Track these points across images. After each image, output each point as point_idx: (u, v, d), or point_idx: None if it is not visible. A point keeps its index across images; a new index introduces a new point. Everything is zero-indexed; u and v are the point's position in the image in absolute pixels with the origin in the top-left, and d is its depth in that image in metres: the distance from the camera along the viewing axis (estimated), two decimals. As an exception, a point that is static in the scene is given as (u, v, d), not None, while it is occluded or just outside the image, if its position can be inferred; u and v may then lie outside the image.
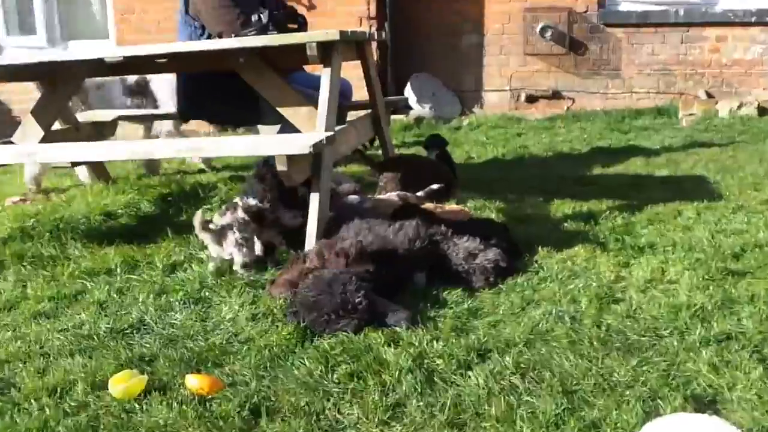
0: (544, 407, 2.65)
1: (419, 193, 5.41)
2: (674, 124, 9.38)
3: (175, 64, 5.30)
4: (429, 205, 5.02)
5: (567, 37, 10.29)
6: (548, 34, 10.29)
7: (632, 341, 3.15)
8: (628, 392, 2.73)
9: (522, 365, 2.96)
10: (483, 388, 2.80)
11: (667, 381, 2.80)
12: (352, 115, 6.41)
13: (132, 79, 7.15)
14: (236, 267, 4.20)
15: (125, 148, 4.97)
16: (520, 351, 3.09)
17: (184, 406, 2.77)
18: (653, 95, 10.36)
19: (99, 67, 5.18)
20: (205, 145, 4.79)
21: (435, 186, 5.44)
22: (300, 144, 4.16)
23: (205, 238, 4.30)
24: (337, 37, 4.50)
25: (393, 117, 9.68)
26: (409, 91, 10.35)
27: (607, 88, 10.50)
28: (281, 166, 4.13)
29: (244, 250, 4.20)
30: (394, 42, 10.50)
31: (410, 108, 10.28)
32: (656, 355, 3.00)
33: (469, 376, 2.90)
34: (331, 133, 4.49)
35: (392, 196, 5.25)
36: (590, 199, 5.44)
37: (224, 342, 3.35)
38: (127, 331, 3.54)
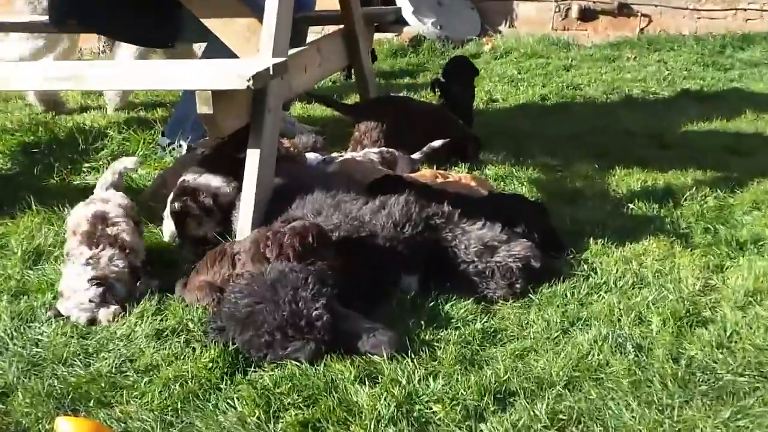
0: (591, 480, 2.69)
1: (414, 155, 5.43)
2: (800, 57, 9.46)
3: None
4: (426, 173, 5.05)
5: None
6: None
7: (724, 383, 3.18)
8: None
9: (561, 416, 2.98)
10: (501, 450, 2.84)
11: (777, 443, 2.85)
12: (314, 33, 6.43)
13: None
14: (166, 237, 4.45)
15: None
16: (558, 395, 3.11)
17: (50, 467, 2.79)
18: (769, 14, 10.44)
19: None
20: (87, 71, 4.72)
21: (436, 143, 5.47)
22: (234, 74, 4.14)
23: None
24: None
25: (377, 36, 9.64)
26: (402, -1, 10.37)
27: (699, 3, 10.54)
28: (204, 108, 4.12)
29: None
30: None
31: (404, 23, 10.25)
32: (759, 404, 3.04)
33: (481, 431, 2.93)
34: (282, 59, 4.48)
35: (371, 154, 5.28)
36: (669, 169, 5.49)
37: (114, 370, 3.36)
38: (-33, 352, 3.55)
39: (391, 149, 5.43)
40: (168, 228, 4.55)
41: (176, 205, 4.40)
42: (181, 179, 4.52)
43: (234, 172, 4.46)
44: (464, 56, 6.84)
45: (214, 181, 4.50)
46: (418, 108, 6.10)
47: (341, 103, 6.08)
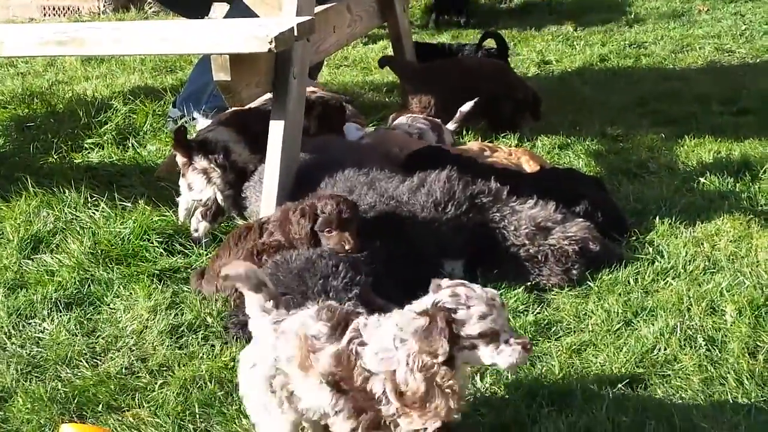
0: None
1: (449, 125, 5.46)
2: None
3: None
4: (473, 145, 5.07)
5: None
6: None
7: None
8: None
9: (624, 417, 3.00)
10: (558, 455, 2.88)
11: None
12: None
13: None
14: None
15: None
16: (621, 394, 3.14)
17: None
18: None
19: None
20: (87, 34, 4.72)
21: (466, 107, 5.51)
22: (253, 36, 4.14)
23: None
24: None
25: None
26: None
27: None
28: (220, 74, 4.15)
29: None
30: None
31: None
32: None
33: (537, 434, 2.97)
34: (308, 17, 4.50)
35: (419, 122, 5.31)
36: (746, 138, 5.51)
37: (124, 371, 3.40)
38: (-39, 351, 3.61)
39: (435, 119, 5.49)
40: (183, 208, 4.60)
41: None
42: None
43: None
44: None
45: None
46: (476, 67, 6.15)
47: (400, 63, 6.12)
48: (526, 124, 5.70)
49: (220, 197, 4.53)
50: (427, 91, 5.74)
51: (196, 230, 4.46)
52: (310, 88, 5.18)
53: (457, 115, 5.46)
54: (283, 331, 2.70)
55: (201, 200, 4.50)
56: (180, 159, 4.54)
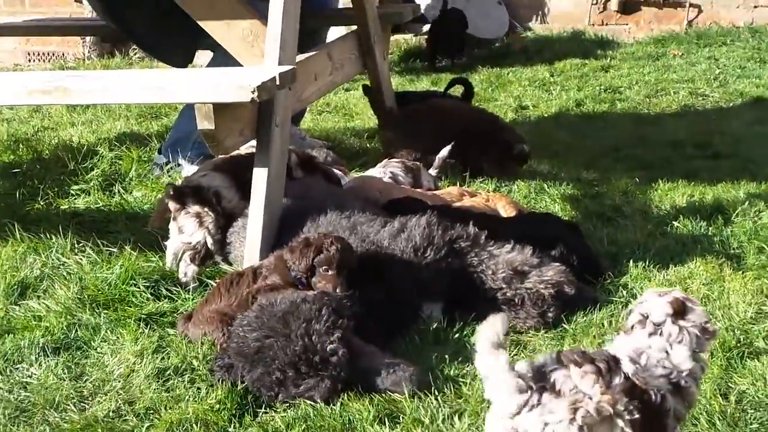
0: None
1: (431, 170, 5.54)
2: None
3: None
4: (452, 191, 5.14)
5: None
6: None
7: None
8: None
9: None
10: (533, 494, 2.92)
11: None
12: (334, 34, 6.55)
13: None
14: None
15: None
16: (595, 433, 3.20)
17: None
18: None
19: None
20: (73, 83, 4.73)
21: (443, 152, 5.59)
22: (236, 85, 4.19)
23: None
24: None
25: (394, 38, 9.72)
26: (422, -6, 10.43)
27: (755, -9, 10.61)
28: (204, 123, 4.20)
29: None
30: None
31: (425, 21, 10.26)
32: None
33: (513, 475, 3.02)
34: (290, 67, 4.57)
35: (393, 167, 5.38)
36: (720, 182, 5.58)
37: (112, 415, 3.44)
38: (-50, 396, 3.63)
39: (416, 162, 5.56)
40: (171, 252, 4.65)
41: None
42: None
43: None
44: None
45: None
46: (459, 113, 6.25)
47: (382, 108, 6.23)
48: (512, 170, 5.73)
49: (210, 241, 4.59)
50: (418, 135, 5.81)
51: (185, 274, 4.50)
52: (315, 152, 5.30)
53: (436, 161, 5.53)
54: None
55: (191, 243, 4.56)
56: (173, 205, 4.60)
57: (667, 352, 2.63)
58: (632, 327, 2.73)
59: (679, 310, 2.67)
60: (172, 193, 4.63)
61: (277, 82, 4.35)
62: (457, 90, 6.99)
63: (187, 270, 4.50)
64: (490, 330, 2.62)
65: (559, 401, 2.50)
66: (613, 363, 2.59)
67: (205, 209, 4.61)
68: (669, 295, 2.71)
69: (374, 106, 6.43)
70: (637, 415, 2.50)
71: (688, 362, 2.63)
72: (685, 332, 2.65)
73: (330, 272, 3.83)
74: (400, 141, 5.89)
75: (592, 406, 2.47)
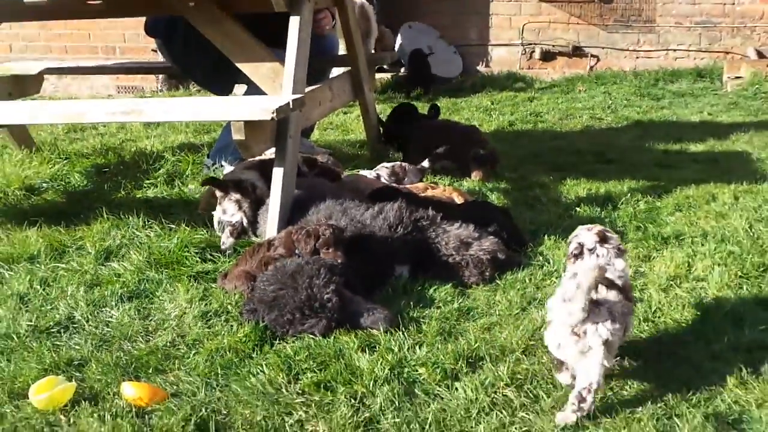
0: (542, 425, 2.75)
1: (424, 163, 5.60)
2: (717, 89, 9.52)
3: (113, 7, 5.29)
4: (420, 185, 5.12)
5: (590, -20, 10.39)
6: (568, -24, 10.39)
7: (648, 348, 3.25)
8: (640, 409, 2.84)
9: (518, 376, 3.05)
10: (471, 402, 2.90)
11: (687, 396, 2.90)
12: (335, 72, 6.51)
13: None
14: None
15: (47, 109, 4.98)
16: (517, 359, 3.18)
17: (118, 419, 2.84)
18: (693, 54, 10.47)
19: (17, 9, 5.18)
20: (145, 107, 4.77)
21: (439, 149, 5.57)
22: (261, 108, 4.22)
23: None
24: (307, -23, 4.56)
25: (379, 76, 9.73)
26: (399, 45, 10.37)
27: (638, 45, 10.60)
28: (238, 135, 4.19)
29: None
30: (382, -16, 10.55)
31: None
32: (676, 366, 3.11)
33: (456, 388, 2.99)
34: (300, 95, 4.55)
35: (382, 169, 5.37)
36: (610, 179, 5.55)
37: (168, 344, 3.43)
38: (53, 330, 3.60)
39: (403, 164, 5.53)
40: (216, 221, 4.62)
41: None
42: None
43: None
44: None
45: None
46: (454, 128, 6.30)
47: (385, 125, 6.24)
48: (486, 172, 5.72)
49: (245, 221, 4.54)
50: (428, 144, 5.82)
51: (224, 243, 4.45)
52: (320, 156, 5.26)
53: (432, 156, 5.56)
54: None
55: (231, 222, 4.52)
56: (219, 192, 4.60)
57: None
58: (573, 254, 3.04)
59: (602, 238, 3.01)
60: (220, 184, 4.62)
61: (291, 106, 4.36)
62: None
63: (226, 241, 4.45)
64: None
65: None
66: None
67: (244, 197, 4.58)
68: (594, 228, 3.07)
69: (384, 129, 6.44)
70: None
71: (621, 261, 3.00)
72: (609, 251, 2.98)
73: (330, 250, 3.80)
74: (416, 149, 5.89)
75: None
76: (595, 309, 2.76)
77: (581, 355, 2.77)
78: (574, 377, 2.84)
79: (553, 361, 2.98)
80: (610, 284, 2.89)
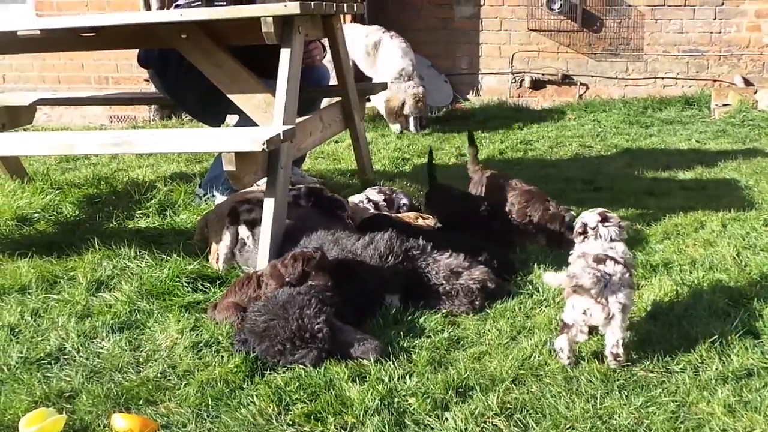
0: (531, 454, 2.75)
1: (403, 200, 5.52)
2: (704, 116, 9.58)
3: (107, 40, 5.32)
4: (411, 214, 5.13)
5: (579, 9, 10.46)
6: (556, 5, 10.46)
7: (638, 378, 3.26)
8: (629, 438, 2.84)
9: (508, 405, 3.06)
10: (461, 432, 2.89)
11: (675, 425, 2.91)
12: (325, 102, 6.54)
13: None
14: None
15: (39, 140, 5.00)
16: (506, 388, 3.19)
17: (108, 452, 2.84)
18: (681, 82, 10.55)
19: (10, 41, 5.21)
20: (135, 139, 4.77)
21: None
22: (251, 139, 4.23)
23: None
24: (297, 10, 4.57)
25: (369, 105, 9.75)
26: (389, 74, 10.43)
27: (626, 73, 10.67)
28: (229, 166, 4.20)
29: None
30: (373, 15, 10.62)
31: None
32: (665, 394, 3.12)
33: (446, 418, 2.99)
34: (291, 126, 4.57)
35: (373, 194, 5.34)
36: (599, 207, 5.51)
37: (159, 375, 3.43)
38: (44, 362, 3.60)
39: (394, 188, 5.55)
40: (222, 253, 4.62)
41: None
42: None
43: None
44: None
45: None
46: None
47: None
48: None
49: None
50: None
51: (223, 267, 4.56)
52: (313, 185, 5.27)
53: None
54: None
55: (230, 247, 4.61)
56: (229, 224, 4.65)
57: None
58: (579, 233, 3.61)
59: (604, 218, 3.57)
60: (227, 212, 4.66)
61: (281, 137, 4.37)
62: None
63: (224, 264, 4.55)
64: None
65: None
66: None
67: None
68: (596, 210, 3.64)
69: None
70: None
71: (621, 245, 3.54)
72: (611, 228, 3.54)
73: (317, 273, 3.81)
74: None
75: None
76: (609, 281, 3.32)
77: (606, 321, 3.33)
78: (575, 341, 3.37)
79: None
80: (614, 260, 3.40)
